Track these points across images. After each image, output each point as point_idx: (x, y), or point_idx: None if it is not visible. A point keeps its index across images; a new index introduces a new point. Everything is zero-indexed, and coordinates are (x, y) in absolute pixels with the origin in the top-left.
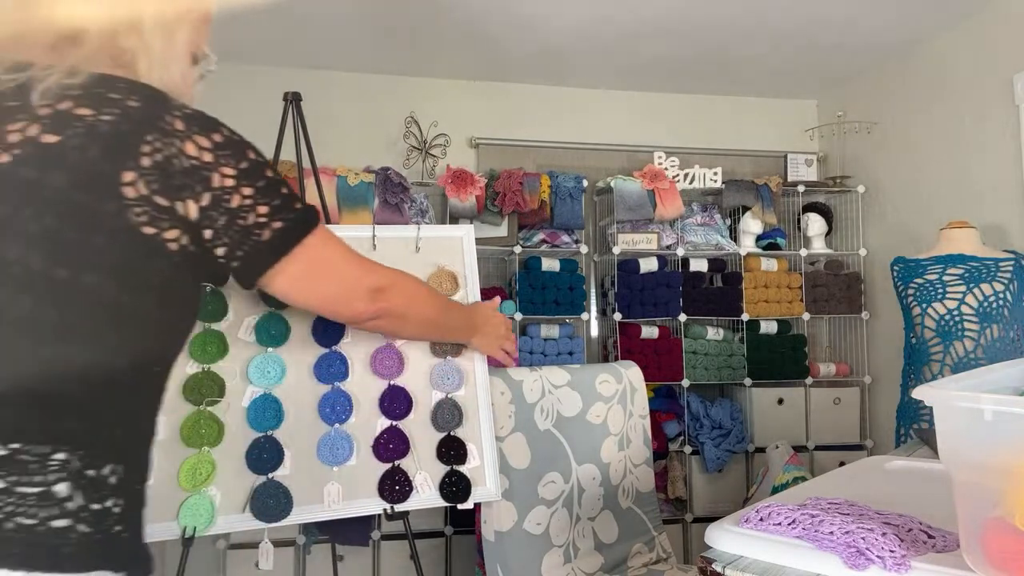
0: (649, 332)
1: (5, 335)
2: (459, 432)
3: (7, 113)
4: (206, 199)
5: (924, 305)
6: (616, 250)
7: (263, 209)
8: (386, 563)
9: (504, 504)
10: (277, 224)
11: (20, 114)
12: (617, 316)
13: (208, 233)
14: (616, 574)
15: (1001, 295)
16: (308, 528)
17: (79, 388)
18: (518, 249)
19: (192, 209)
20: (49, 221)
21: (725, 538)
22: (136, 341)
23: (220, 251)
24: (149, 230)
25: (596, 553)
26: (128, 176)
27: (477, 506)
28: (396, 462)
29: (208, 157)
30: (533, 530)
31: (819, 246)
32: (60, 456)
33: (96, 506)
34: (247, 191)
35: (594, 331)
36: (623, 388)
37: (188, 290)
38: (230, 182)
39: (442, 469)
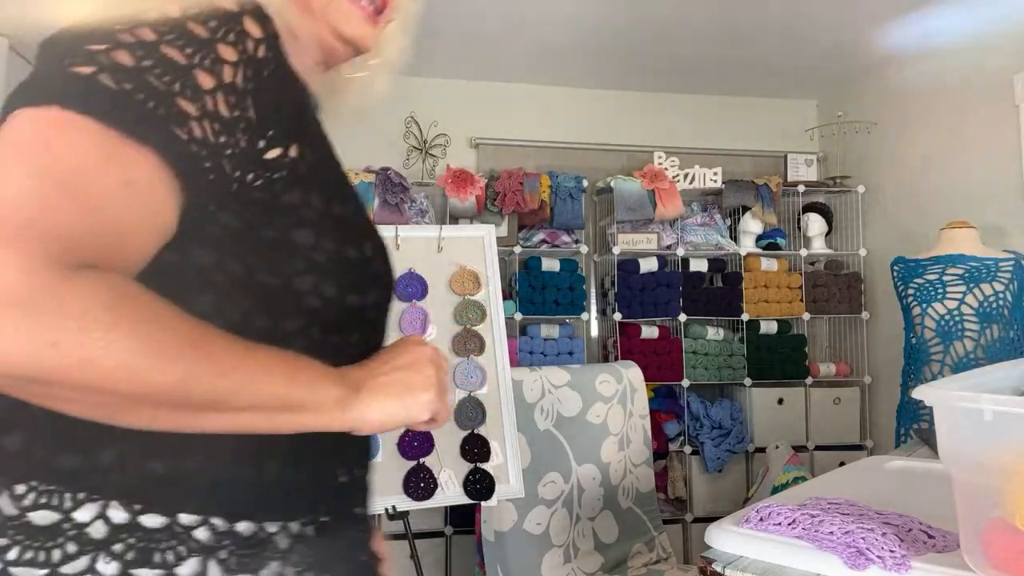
0: (649, 332)
1: None
2: (482, 430)
3: None
4: None
5: (924, 305)
6: (616, 250)
7: None
8: (386, 563)
9: (504, 504)
10: None
11: None
12: (617, 316)
13: None
14: (616, 574)
15: (1001, 295)
16: None
17: None
18: (518, 249)
19: None
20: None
21: (725, 538)
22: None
23: None
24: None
25: (596, 553)
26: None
27: (477, 506)
28: (421, 460)
29: None
30: (533, 530)
31: (819, 246)
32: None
33: None
34: None
35: (594, 331)
36: (623, 388)
37: None
38: None
39: (466, 467)
